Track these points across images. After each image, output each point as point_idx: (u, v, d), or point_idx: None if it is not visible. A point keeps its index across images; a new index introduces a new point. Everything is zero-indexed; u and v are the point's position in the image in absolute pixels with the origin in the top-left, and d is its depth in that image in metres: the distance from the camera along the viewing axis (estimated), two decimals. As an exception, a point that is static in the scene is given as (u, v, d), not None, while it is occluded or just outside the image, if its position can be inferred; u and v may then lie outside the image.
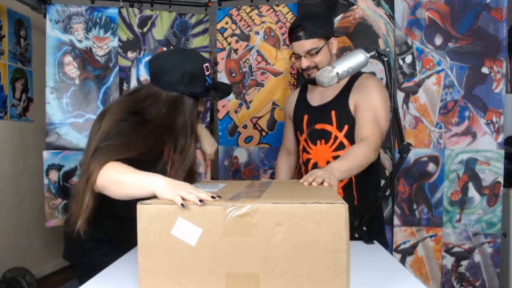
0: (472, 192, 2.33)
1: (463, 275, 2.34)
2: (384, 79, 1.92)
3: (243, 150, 2.64)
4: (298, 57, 1.72)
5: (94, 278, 1.06)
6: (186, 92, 1.27)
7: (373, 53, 1.35)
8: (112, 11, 2.66)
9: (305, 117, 1.80)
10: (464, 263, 2.34)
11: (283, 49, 2.59)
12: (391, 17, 2.40)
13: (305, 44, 1.67)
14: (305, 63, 1.70)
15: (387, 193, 1.43)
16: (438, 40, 2.36)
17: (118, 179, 1.10)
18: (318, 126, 1.75)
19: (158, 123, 1.27)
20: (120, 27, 2.67)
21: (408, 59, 2.40)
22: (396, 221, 2.41)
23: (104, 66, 2.67)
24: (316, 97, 1.81)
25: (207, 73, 1.30)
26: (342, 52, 2.44)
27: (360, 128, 1.62)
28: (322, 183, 1.21)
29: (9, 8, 2.63)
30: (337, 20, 2.46)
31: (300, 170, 1.90)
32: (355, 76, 1.73)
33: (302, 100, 1.86)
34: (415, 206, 2.40)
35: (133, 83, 2.68)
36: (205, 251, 0.90)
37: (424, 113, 2.39)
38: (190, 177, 1.42)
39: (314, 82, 1.71)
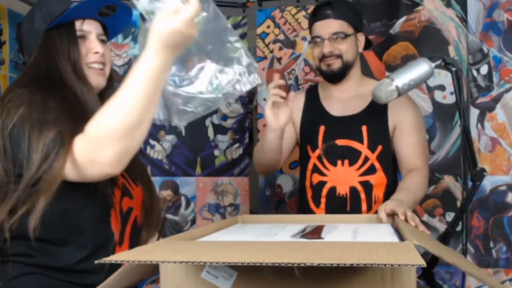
0: None
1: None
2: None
3: (287, 178, 2.46)
4: (320, 41, 1.57)
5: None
6: (48, 25, 1.11)
7: (438, 62, 1.26)
8: (133, 13, 2.35)
9: (322, 129, 1.62)
10: (552, 313, 2.22)
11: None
12: (464, 20, 2.25)
13: (332, 25, 1.56)
14: (328, 47, 1.55)
15: (458, 228, 1.36)
16: (520, 47, 2.21)
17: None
18: (340, 142, 1.60)
19: (41, 77, 1.10)
20: (142, 32, 2.48)
21: (484, 69, 2.25)
22: (469, 261, 2.21)
23: (123, 79, 2.36)
24: (336, 105, 1.65)
25: None
26: (406, 61, 2.32)
27: (408, 155, 1.58)
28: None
29: (10, 10, 2.35)
30: (399, 23, 2.34)
31: (305, 194, 1.67)
32: None
33: (314, 106, 1.69)
34: (491, 244, 2.24)
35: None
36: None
37: (502, 134, 2.24)
38: None
39: (333, 77, 1.61)
